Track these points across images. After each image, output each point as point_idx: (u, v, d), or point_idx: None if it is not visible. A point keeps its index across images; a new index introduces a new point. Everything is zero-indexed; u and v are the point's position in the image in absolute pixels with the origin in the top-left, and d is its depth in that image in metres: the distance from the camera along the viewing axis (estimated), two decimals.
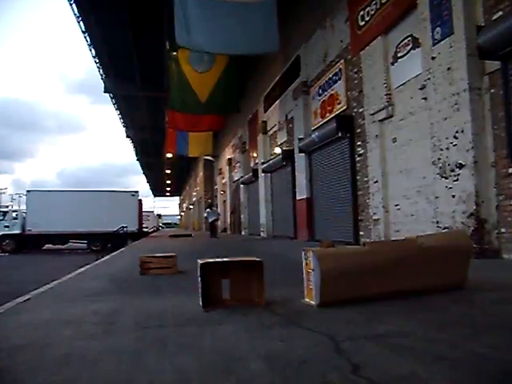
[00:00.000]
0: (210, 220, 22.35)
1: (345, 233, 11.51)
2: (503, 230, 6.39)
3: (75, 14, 18.08)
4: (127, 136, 38.46)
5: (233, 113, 20.13)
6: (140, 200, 27.31)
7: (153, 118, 31.69)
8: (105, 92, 25.83)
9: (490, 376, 1.88)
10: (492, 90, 6.55)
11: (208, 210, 23.23)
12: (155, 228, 46.77)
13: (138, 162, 53.06)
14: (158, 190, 78.22)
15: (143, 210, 30.56)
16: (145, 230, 32.64)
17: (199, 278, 3.53)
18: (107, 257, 11.06)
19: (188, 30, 10.67)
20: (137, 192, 26.78)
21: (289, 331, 2.73)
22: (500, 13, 6.39)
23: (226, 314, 3.32)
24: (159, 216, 63.46)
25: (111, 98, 28.49)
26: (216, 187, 37.14)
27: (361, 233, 10.75)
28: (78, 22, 18.73)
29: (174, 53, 16.34)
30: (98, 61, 23.18)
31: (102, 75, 24.90)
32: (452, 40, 6.91)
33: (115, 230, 23.15)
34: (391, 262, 3.55)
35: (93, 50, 21.78)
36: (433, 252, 3.64)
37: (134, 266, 6.69)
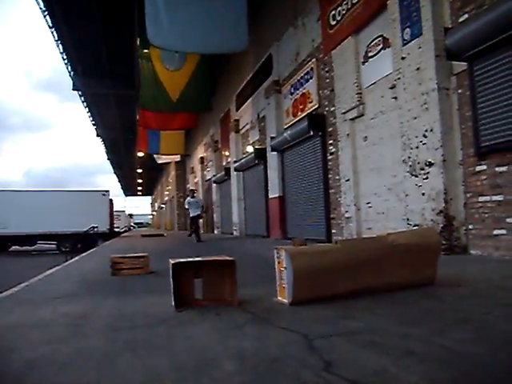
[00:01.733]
0: (192, 214, 15.66)
1: (317, 231, 11.60)
2: (470, 226, 6.54)
3: (41, 9, 17.61)
4: (97, 135, 37.73)
5: (206, 111, 19.97)
6: (111, 199, 26.88)
7: (124, 117, 31.22)
8: (73, 90, 25.28)
9: (456, 369, 1.92)
10: (459, 90, 6.70)
11: (189, 199, 15.90)
12: (127, 228, 46.18)
13: (108, 161, 52.24)
14: (129, 190, 77.16)
15: (114, 209, 30.11)
16: (116, 229, 32.16)
17: (171, 278, 3.48)
18: (77, 258, 10.84)
19: (159, 28, 10.55)
20: (107, 191, 26.34)
21: (261, 330, 2.72)
22: (466, 15, 6.53)
23: (198, 313, 3.29)
24: (131, 216, 62.70)
25: (80, 95, 27.86)
26: (188, 186, 36.89)
27: (333, 231, 10.85)
28: (45, 17, 18.21)
29: (146, 50, 16.11)
30: (65, 57, 22.61)
31: (70, 72, 24.34)
32: (421, 41, 7.03)
33: (85, 230, 22.73)
34: (363, 259, 3.58)
35: (60, 46, 21.22)
36: (403, 249, 3.69)
37: (104, 266, 6.57)
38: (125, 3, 16.37)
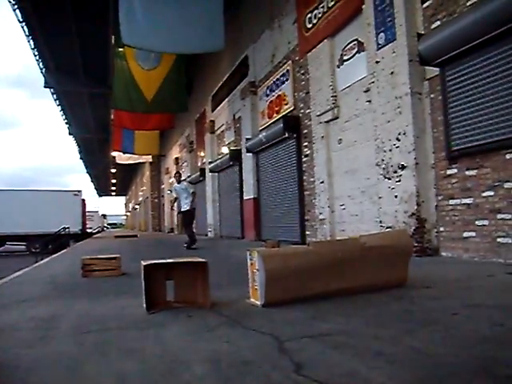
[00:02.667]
0: (184, 208, 11.73)
1: (291, 232, 11.64)
2: (442, 228, 6.66)
3: (11, 2, 17.16)
4: (70, 133, 37.06)
5: (182, 112, 19.80)
6: (83, 200, 26.44)
7: (98, 116, 30.77)
8: (45, 87, 24.78)
9: (422, 369, 1.94)
10: (432, 95, 6.81)
11: (176, 185, 12.11)
12: (100, 228, 45.50)
13: (81, 160, 51.38)
14: (102, 190, 76.01)
15: (87, 209, 29.62)
16: (89, 230, 31.65)
17: (142, 280, 3.43)
18: (47, 259, 10.60)
19: (133, 28, 10.39)
20: (80, 191, 25.90)
21: (233, 332, 2.70)
22: (438, 22, 6.66)
23: (170, 316, 3.25)
24: (104, 216, 61.79)
25: (52, 93, 27.29)
26: (163, 187, 36.59)
27: (307, 232, 10.90)
28: (14, 10, 17.75)
29: (120, 49, 15.87)
30: (37, 53, 22.13)
31: (41, 69, 23.84)
32: (395, 46, 7.13)
33: (56, 231, 22.27)
34: (335, 261, 3.60)
35: (31, 42, 20.74)
36: (375, 251, 3.72)
37: (75, 268, 6.44)
38: (100, 1, 16.14)
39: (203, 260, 3.59)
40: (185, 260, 3.80)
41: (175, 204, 12.64)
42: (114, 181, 58.15)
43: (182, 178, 12.78)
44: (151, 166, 39.14)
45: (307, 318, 2.94)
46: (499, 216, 5.71)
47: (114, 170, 46.63)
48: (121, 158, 31.00)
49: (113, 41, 15.84)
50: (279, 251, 3.75)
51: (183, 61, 16.64)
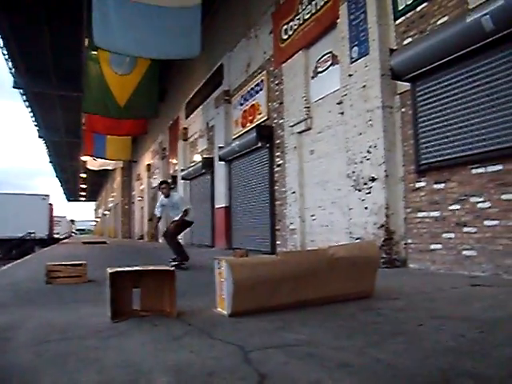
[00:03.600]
0: (176, 218, 8.38)
1: (262, 242, 11.62)
2: (410, 240, 6.76)
3: None
4: (40, 136, 36.23)
5: (151, 118, 19.62)
6: (51, 204, 25.82)
7: (69, 119, 30.18)
8: (14, 87, 24.17)
9: (386, 380, 1.94)
10: (403, 109, 6.95)
11: (163, 198, 8.52)
12: (68, 234, 44.55)
13: (50, 164, 50.28)
14: (72, 195, 74.53)
15: (54, 214, 28.93)
16: (56, 236, 30.91)
17: (108, 288, 3.34)
18: (10, 265, 10.27)
19: (107, 31, 10.28)
20: (47, 195, 25.28)
21: (199, 342, 2.65)
22: (409, 39, 6.82)
23: (135, 324, 3.17)
24: (72, 221, 60.57)
25: (22, 94, 26.66)
26: (134, 193, 36.12)
27: (278, 242, 10.90)
28: None
29: (94, 52, 15.66)
30: (6, 52, 21.54)
31: (10, 69, 23.24)
32: (368, 60, 7.25)
33: (21, 235, 21.64)
34: (303, 271, 3.59)
35: (0, 41, 20.21)
36: (343, 262, 3.74)
37: (39, 274, 6.25)
38: (73, 3, 15.90)
39: (171, 268, 3.53)
40: (152, 268, 3.73)
41: (159, 224, 9.22)
42: (83, 186, 57.12)
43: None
44: (122, 172, 38.60)
45: (274, 329, 2.91)
46: (465, 229, 5.83)
47: (84, 175, 45.81)
48: (92, 163, 30.50)
49: (86, 43, 15.61)
50: (247, 261, 3.72)
51: (157, 67, 16.53)
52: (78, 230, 76.02)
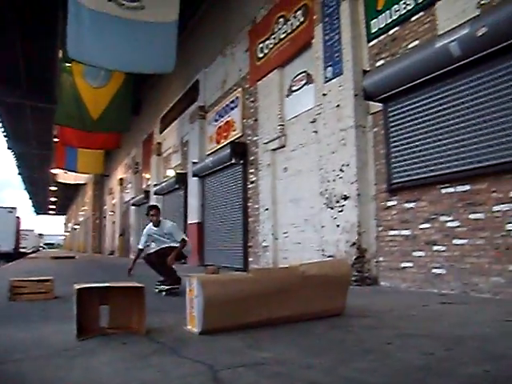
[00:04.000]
0: (166, 245, 6.75)
1: (234, 259, 11.55)
2: (381, 258, 6.83)
3: None
4: (8, 148, 35.35)
5: (125, 132, 19.43)
6: (18, 217, 25.15)
7: (40, 131, 29.55)
8: None
9: None
10: (375, 129, 7.08)
11: (151, 227, 6.92)
12: (35, 248, 43.40)
13: (19, 176, 49.08)
14: (41, 208, 72.78)
15: (22, 228, 28.19)
16: (23, 250, 30.08)
17: (74, 305, 3.25)
18: None
19: (81, 43, 10.19)
20: (14, 208, 24.64)
21: (167, 360, 2.59)
22: (382, 61, 6.99)
23: (102, 342, 3.08)
24: (41, 235, 59.13)
25: None
26: (105, 207, 35.54)
27: (250, 259, 10.86)
28: None
29: (68, 64, 15.50)
30: None
31: None
32: (341, 80, 7.38)
33: None
34: (274, 289, 3.57)
35: None
36: (314, 280, 3.74)
37: (2, 290, 6.03)
38: (47, 14, 15.71)
39: (140, 285, 3.46)
40: (121, 284, 3.65)
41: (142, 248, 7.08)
42: (53, 199, 55.94)
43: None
44: (94, 186, 38.02)
45: (244, 347, 2.88)
46: (434, 248, 5.93)
47: (54, 188, 44.88)
48: (64, 177, 29.98)
49: (60, 55, 15.44)
50: (218, 278, 3.69)
51: (132, 80, 16.47)
52: (46, 244, 74.22)
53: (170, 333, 3.38)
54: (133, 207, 24.00)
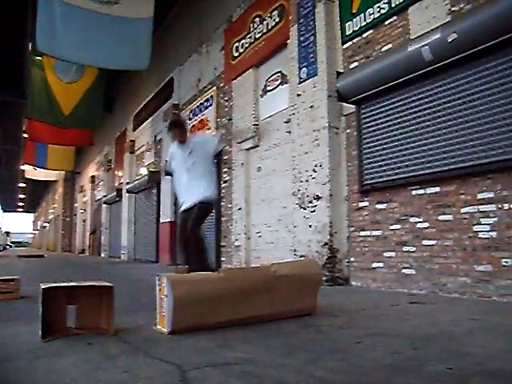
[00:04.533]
0: (187, 204, 5.28)
1: (212, 259, 11.47)
2: (352, 259, 6.90)
3: None
4: None
5: (98, 128, 19.13)
6: None
7: (7, 126, 28.79)
8: None
9: None
10: (348, 130, 7.14)
11: (175, 145, 5.46)
12: (2, 247, 42.30)
13: None
14: (8, 205, 70.93)
15: None
16: None
17: (40, 304, 3.16)
18: None
19: (52, 36, 9.96)
20: None
21: (135, 361, 2.54)
22: (356, 63, 7.06)
23: (68, 343, 3.00)
24: (7, 233, 57.69)
25: None
26: (76, 205, 34.91)
27: (222, 258, 10.83)
28: None
29: (38, 58, 15.15)
30: None
31: None
32: (316, 81, 7.43)
33: None
34: (246, 288, 3.56)
35: None
36: (286, 279, 3.74)
37: None
38: (15, 5, 15.29)
39: (109, 284, 3.39)
40: (89, 284, 3.57)
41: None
42: (22, 196, 54.62)
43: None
44: (65, 183, 37.29)
45: (214, 347, 2.85)
46: (405, 248, 6.02)
47: (23, 185, 43.83)
48: (33, 173, 29.28)
49: (30, 48, 15.08)
50: (189, 277, 3.64)
51: (106, 77, 16.22)
52: (13, 242, 72.43)
53: (139, 333, 3.33)
54: (104, 205, 23.67)
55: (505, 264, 4.78)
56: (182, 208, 5.17)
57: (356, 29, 7.06)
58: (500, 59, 4.99)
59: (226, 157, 10.96)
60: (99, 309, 3.41)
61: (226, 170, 10.96)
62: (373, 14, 6.74)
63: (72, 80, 15.56)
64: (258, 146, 9.59)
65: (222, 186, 11.07)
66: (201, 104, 12.58)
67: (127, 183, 18.93)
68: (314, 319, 3.82)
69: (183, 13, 14.59)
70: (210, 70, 12.15)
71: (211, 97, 11.98)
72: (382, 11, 6.57)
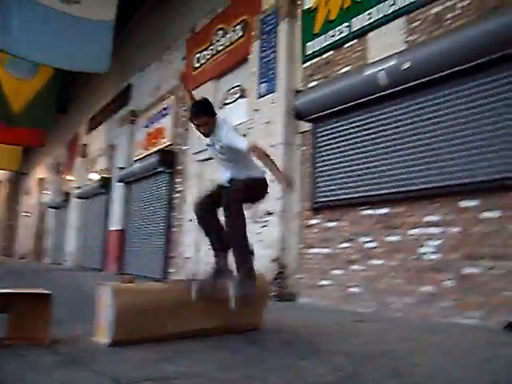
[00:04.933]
0: (240, 175, 3.98)
1: (155, 269, 11.23)
2: (301, 275, 6.92)
3: None
4: None
5: (50, 129, 18.47)
6: None
7: None
8: None
9: None
10: (303, 148, 7.22)
11: (208, 140, 4.03)
12: None
13: None
14: None
15: None
16: None
17: None
18: None
19: (7, 32, 9.58)
20: None
21: (70, 373, 2.42)
22: (314, 82, 7.18)
23: None
24: None
25: None
26: (20, 207, 33.43)
27: (172, 270, 10.62)
28: None
29: None
30: None
31: None
32: (274, 97, 7.50)
33: None
34: (191, 301, 3.48)
35: None
36: None
37: None
38: None
39: (46, 292, 3.22)
40: (24, 291, 3.38)
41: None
42: None
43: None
44: (9, 184, 35.66)
45: (155, 360, 2.76)
46: (353, 267, 6.11)
47: None
48: None
49: None
50: (132, 287, 3.52)
51: (60, 77, 15.73)
52: None
53: (77, 344, 3.18)
54: (51, 209, 22.79)
55: (446, 285, 4.93)
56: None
57: (316, 49, 7.20)
58: (447, 90, 5.23)
59: (180, 167, 10.83)
60: (34, 318, 3.22)
61: (179, 180, 10.81)
62: (334, 36, 6.89)
63: (25, 77, 14.97)
64: (212, 158, 9.49)
65: (174, 196, 10.92)
66: (158, 112, 12.42)
67: (77, 188, 18.33)
68: (259, 334, 3.79)
69: (147, 19, 14.41)
70: (170, 79, 12.01)
71: (169, 106, 11.85)
72: (343, 34, 6.73)
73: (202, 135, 4.05)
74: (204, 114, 3.87)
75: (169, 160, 11.17)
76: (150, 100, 13.06)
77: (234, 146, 3.73)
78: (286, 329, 4.17)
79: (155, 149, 12.12)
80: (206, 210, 3.99)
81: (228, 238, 3.82)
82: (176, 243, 10.56)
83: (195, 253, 9.54)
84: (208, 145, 4.05)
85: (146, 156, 12.55)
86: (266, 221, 7.19)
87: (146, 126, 13.07)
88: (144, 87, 13.72)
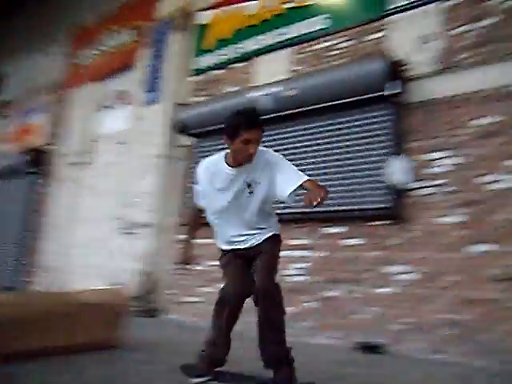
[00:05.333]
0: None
1: (13, 278, 10.24)
2: (170, 291, 6.79)
3: None
4: None
5: None
6: None
7: None
8: None
9: None
10: (181, 162, 7.17)
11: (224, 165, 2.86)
12: None
13: None
14: None
15: None
16: None
17: None
18: None
19: None
20: None
21: None
22: (200, 98, 7.22)
23: None
24: None
25: None
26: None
27: (32, 279, 9.76)
28: None
29: None
30: None
31: None
32: (157, 108, 7.41)
33: None
34: (42, 315, 3.21)
35: None
36: (88, 308, 3.47)
37: None
38: None
39: None
40: None
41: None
42: None
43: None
44: None
45: None
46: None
47: None
48: None
49: None
50: None
51: None
52: None
53: None
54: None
55: (305, 306, 5.17)
56: (230, 247, 3.06)
57: (206, 65, 7.26)
58: (323, 121, 5.58)
59: (51, 169, 10.10)
60: None
61: (48, 183, 10.06)
62: (224, 55, 7.01)
63: None
64: (88, 163, 9.04)
65: (41, 200, 10.12)
66: (32, 108, 11.50)
67: None
68: (114, 352, 3.60)
69: (32, 9, 13.34)
70: (50, 74, 11.20)
71: (45, 103, 11.05)
72: (233, 55, 6.87)
73: (224, 164, 2.86)
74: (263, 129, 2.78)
75: (39, 160, 10.32)
76: (25, 93, 12.06)
77: (292, 186, 2.68)
78: (145, 346, 4.02)
79: (24, 146, 11.14)
80: (245, 296, 2.92)
81: (268, 329, 2.93)
82: (39, 251, 9.76)
83: (60, 262, 8.90)
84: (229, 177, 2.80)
85: (12, 153, 11.48)
86: (138, 233, 6.98)
87: (17, 121, 12.03)
88: (20, 79, 12.63)
